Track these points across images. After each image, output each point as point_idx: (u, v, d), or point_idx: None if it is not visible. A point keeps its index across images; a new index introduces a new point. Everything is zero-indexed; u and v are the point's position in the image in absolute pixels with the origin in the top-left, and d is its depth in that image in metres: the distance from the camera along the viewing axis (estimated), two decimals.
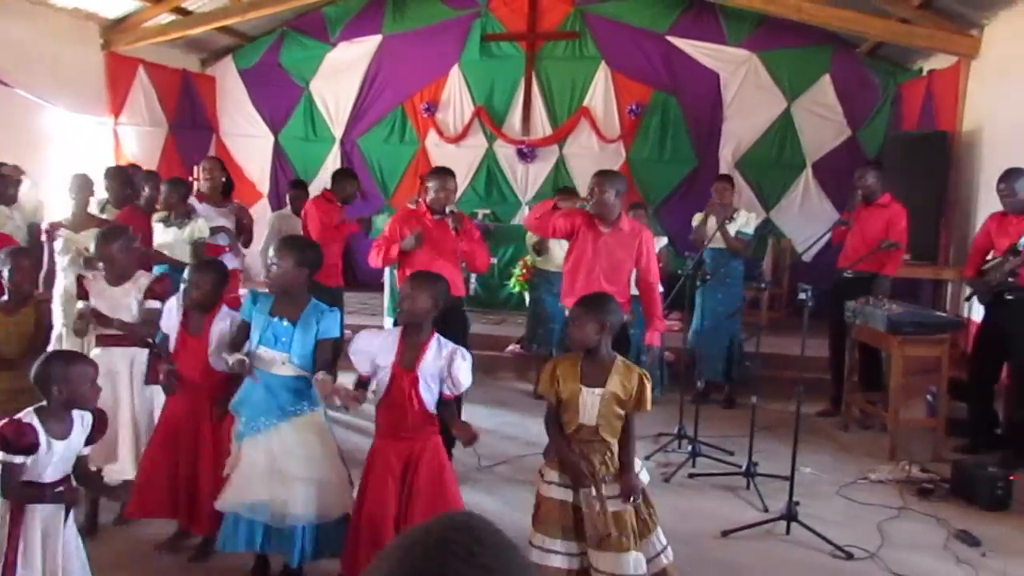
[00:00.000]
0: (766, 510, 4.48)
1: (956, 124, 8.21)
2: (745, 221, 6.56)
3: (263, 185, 10.96)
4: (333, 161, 10.60)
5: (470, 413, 4.90)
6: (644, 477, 3.32)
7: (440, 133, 10.48)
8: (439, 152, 10.45)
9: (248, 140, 10.98)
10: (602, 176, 4.73)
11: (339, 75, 10.60)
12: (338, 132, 10.70)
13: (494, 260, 9.16)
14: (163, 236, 5.71)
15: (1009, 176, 5.50)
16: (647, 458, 5.18)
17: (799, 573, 3.84)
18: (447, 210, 4.90)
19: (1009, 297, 5.34)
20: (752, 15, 9.27)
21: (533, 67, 10.25)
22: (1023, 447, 5.34)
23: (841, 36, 9.30)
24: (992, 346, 5.55)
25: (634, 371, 3.26)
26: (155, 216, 5.85)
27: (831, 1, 8.17)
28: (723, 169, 9.59)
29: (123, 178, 6.28)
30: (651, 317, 4.72)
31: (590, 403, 3.21)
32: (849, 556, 3.97)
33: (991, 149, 7.62)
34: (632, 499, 3.13)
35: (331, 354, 3.61)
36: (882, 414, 5.89)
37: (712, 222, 6.48)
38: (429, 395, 3.29)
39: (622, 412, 3.23)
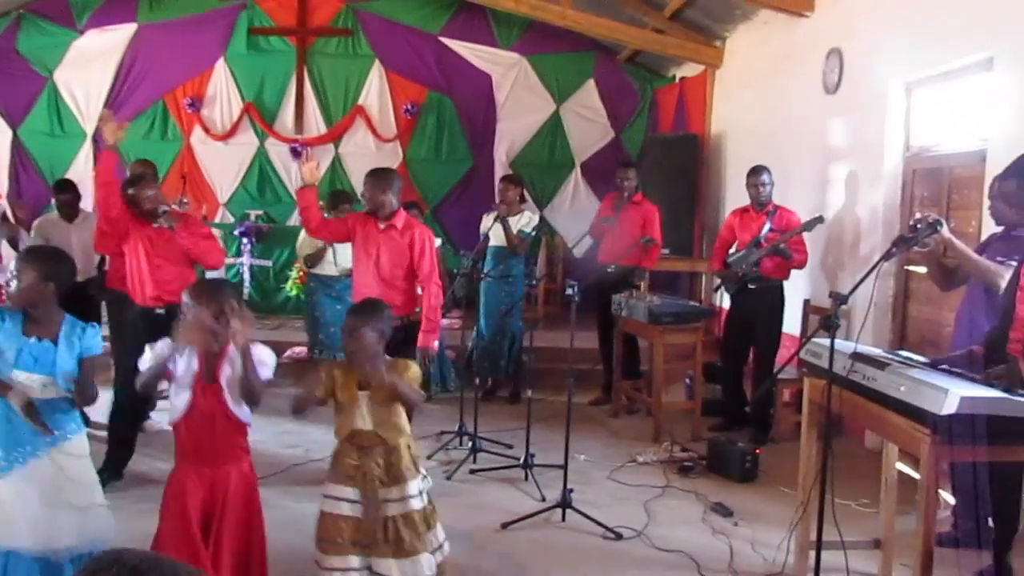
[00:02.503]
0: (543, 499, 4.64)
1: (705, 127, 8.92)
2: (527, 221, 6.75)
3: None
4: (85, 158, 9.75)
5: None
6: (427, 483, 3.30)
7: (206, 130, 9.96)
8: (206, 150, 9.95)
9: None
10: (373, 175, 4.74)
11: (89, 65, 9.76)
12: (89, 127, 9.82)
13: (269, 262, 8.86)
14: None
15: (756, 171, 6.03)
16: (429, 457, 5.21)
17: (574, 557, 4.00)
18: (160, 211, 4.68)
19: (752, 286, 5.87)
20: (520, 20, 9.56)
21: (304, 63, 9.99)
22: (767, 423, 5.92)
23: (603, 43, 9.82)
24: (739, 332, 6.08)
25: (396, 363, 3.23)
26: None
27: (593, 10, 8.60)
28: (498, 169, 9.85)
29: None
30: (425, 318, 4.73)
31: (367, 408, 3.17)
32: (619, 536, 4.19)
33: (735, 150, 8.34)
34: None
35: (93, 373, 3.30)
36: (647, 399, 6.28)
37: (487, 220, 6.65)
38: (237, 405, 3.06)
39: (397, 410, 3.21)
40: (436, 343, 4.73)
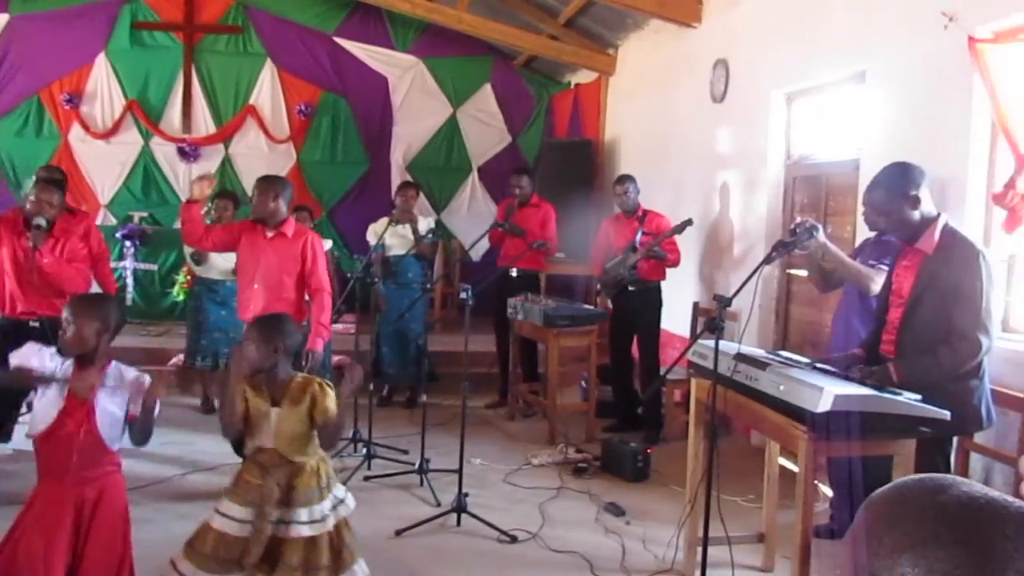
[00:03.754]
0: (438, 504, 4.62)
1: (599, 133, 9.08)
2: (425, 225, 6.70)
3: None
4: None
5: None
6: (351, 503, 3.21)
7: (86, 128, 9.49)
8: (86, 148, 9.50)
9: None
10: (262, 183, 4.66)
11: None
12: None
13: (154, 267, 8.54)
14: None
15: (622, 180, 6.23)
16: None
17: (468, 561, 4.00)
18: (34, 222, 4.45)
19: (632, 288, 6.03)
20: (417, 22, 9.52)
21: (192, 60, 9.66)
22: (658, 423, 6.06)
23: (500, 48, 9.87)
24: (622, 333, 6.22)
25: (308, 383, 3.14)
26: None
27: (490, 15, 8.64)
28: (395, 172, 9.78)
29: None
30: (315, 322, 4.65)
31: (275, 425, 3.06)
32: (513, 539, 4.20)
33: (627, 156, 8.53)
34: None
35: None
36: (542, 402, 6.34)
37: (377, 228, 6.57)
38: (109, 428, 2.89)
39: (305, 429, 3.10)
40: (322, 346, 4.64)
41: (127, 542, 2.94)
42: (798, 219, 3.63)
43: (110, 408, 2.87)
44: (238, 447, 3.22)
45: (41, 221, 4.45)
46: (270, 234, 4.58)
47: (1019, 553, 0.73)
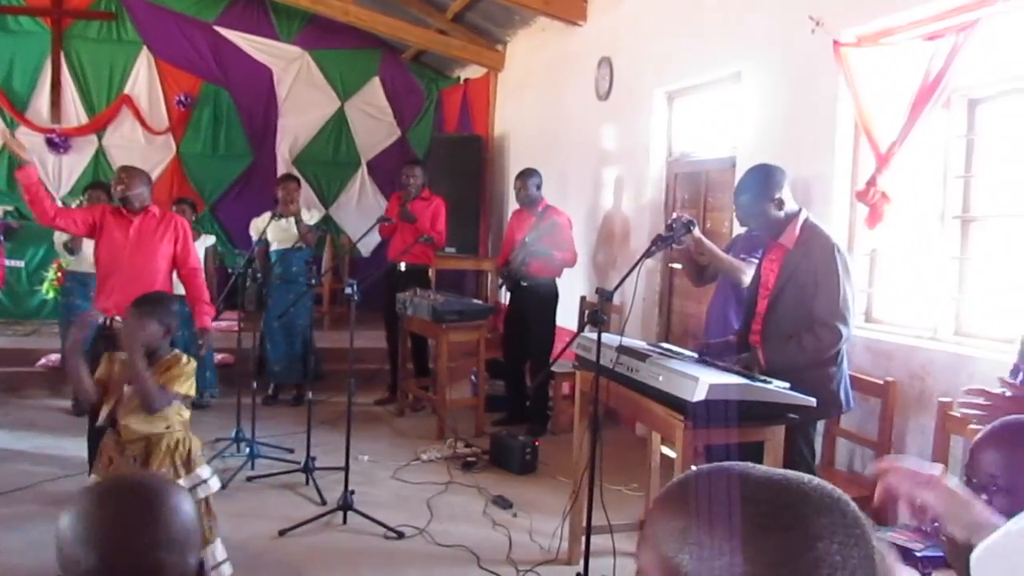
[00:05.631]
0: (324, 503, 4.54)
1: (488, 128, 9.11)
2: (309, 216, 6.60)
3: None
4: None
5: None
6: (214, 485, 3.25)
7: None
8: None
9: None
10: (129, 168, 4.58)
11: None
12: None
13: (21, 263, 8.09)
14: None
15: (522, 175, 6.26)
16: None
17: (354, 559, 3.95)
18: None
19: (524, 284, 6.08)
20: (302, 13, 9.30)
21: (61, 47, 9.15)
22: (545, 416, 6.14)
23: (388, 41, 9.76)
24: (516, 327, 6.26)
25: (177, 358, 3.20)
26: None
27: (377, 7, 8.54)
28: (280, 166, 9.55)
29: None
30: (198, 302, 4.52)
31: (128, 400, 3.09)
32: (400, 535, 4.17)
33: (516, 151, 8.58)
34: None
35: None
36: (431, 397, 6.32)
37: (259, 223, 6.43)
38: None
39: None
40: (211, 323, 4.54)
41: None
42: (674, 215, 3.73)
43: None
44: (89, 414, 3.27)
45: None
46: (135, 219, 4.45)
47: (835, 529, 0.75)
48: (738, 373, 3.13)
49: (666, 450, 4.13)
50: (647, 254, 3.52)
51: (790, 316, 3.31)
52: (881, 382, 3.69)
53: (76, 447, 5.23)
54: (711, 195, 5.50)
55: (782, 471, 0.80)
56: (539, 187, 6.22)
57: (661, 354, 3.37)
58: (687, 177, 5.82)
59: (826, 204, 4.19)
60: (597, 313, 3.24)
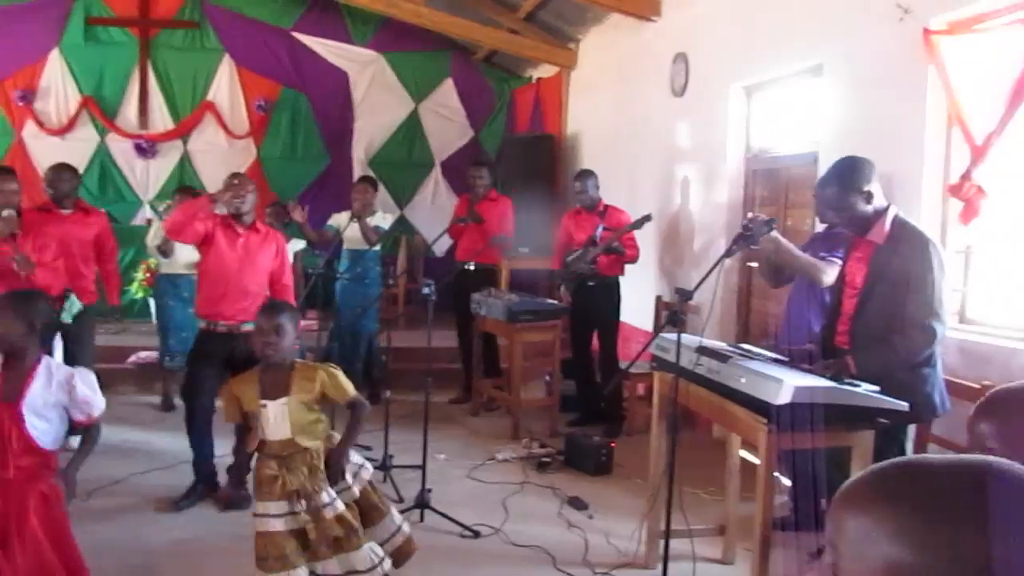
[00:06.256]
0: (401, 500, 4.58)
1: (560, 128, 9.07)
2: (381, 218, 6.66)
3: None
4: None
5: None
6: (369, 467, 3.40)
7: (40, 124, 9.31)
8: (40, 145, 9.30)
9: None
10: (242, 184, 4.58)
11: None
12: None
13: None
14: None
15: (581, 176, 6.21)
16: None
17: (431, 557, 3.94)
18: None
19: (591, 283, 6.02)
20: (376, 16, 9.43)
21: (148, 56, 9.49)
22: (620, 417, 6.07)
23: (459, 43, 9.82)
24: (582, 327, 6.21)
25: (313, 369, 3.25)
26: None
27: (449, 9, 8.59)
28: (356, 168, 9.70)
29: None
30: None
31: (277, 416, 3.11)
32: (476, 534, 4.18)
33: (588, 150, 8.53)
34: (336, 482, 3.13)
35: None
36: (505, 397, 6.32)
37: (338, 219, 6.53)
38: (40, 431, 2.83)
39: (316, 415, 3.21)
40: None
41: (65, 549, 2.88)
42: (750, 214, 3.63)
43: (42, 408, 2.81)
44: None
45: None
46: (242, 232, 4.56)
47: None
48: (824, 376, 3.02)
49: (745, 454, 4.03)
50: (728, 253, 3.43)
51: (881, 316, 3.17)
52: (977, 386, 3.53)
53: (163, 442, 5.43)
54: (792, 191, 5.36)
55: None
56: (597, 187, 6.18)
57: (742, 355, 3.29)
58: (766, 174, 5.68)
59: (914, 200, 4.02)
60: (676, 314, 3.18)
